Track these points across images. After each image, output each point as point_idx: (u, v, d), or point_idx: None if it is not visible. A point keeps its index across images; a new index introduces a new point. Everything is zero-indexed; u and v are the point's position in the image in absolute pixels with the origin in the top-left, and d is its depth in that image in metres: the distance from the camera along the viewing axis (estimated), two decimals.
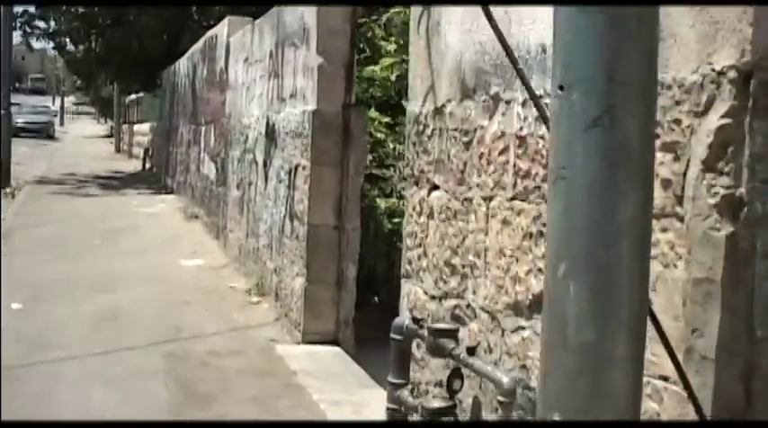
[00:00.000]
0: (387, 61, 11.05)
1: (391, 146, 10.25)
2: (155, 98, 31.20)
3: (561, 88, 2.64)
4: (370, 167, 9.53)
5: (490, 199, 4.49)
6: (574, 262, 2.61)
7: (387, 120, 10.57)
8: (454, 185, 4.90)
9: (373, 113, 10.41)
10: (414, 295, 5.41)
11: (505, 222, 4.32)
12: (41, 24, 29.41)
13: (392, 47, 11.25)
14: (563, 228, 2.65)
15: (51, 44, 30.81)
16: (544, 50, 4.02)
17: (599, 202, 2.58)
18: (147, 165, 31.63)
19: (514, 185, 4.25)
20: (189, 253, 12.94)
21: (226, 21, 13.92)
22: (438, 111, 5.14)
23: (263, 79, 10.40)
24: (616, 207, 2.58)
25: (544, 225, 4.00)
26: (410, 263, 5.51)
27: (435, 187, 5.18)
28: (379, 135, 10.42)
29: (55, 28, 29.45)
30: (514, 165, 4.25)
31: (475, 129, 4.67)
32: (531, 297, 4.08)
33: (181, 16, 24.85)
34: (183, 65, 19.83)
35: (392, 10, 11.66)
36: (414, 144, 5.50)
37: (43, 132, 53.82)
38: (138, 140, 38.39)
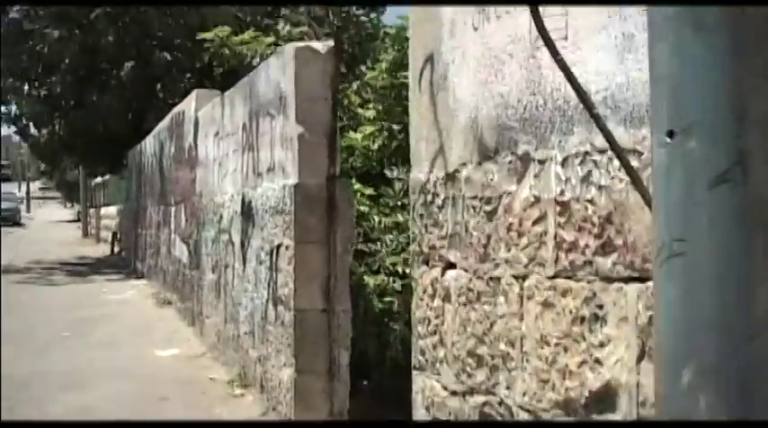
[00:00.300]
0: (367, 129, 10.40)
1: (376, 219, 9.54)
2: (121, 180, 30.48)
3: (671, 134, 1.94)
4: (355, 243, 8.82)
5: (524, 277, 3.79)
6: (702, 366, 1.91)
7: (369, 191, 9.87)
8: (476, 263, 4.20)
9: (355, 185, 9.72)
10: (430, 390, 4.68)
11: (547, 304, 3.62)
12: (3, 109, 28.68)
13: (371, 113, 10.62)
14: (683, 322, 1.95)
15: (14, 129, 30.03)
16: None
17: (733, 284, 1.89)
18: (116, 249, 30.84)
19: (556, 260, 3.56)
20: (163, 342, 12.15)
21: (193, 94, 13.29)
22: (450, 178, 4.46)
23: (237, 154, 9.71)
24: (755, 289, 1.89)
25: (599, 307, 3.31)
26: (423, 353, 4.79)
27: (451, 265, 4.48)
28: (362, 208, 9.71)
29: (17, 112, 28.75)
30: (555, 237, 3.56)
31: (500, 196, 3.98)
32: (587, 394, 3.37)
33: (145, 94, 24.20)
34: (149, 144, 19.16)
35: (368, 75, 11.08)
36: (421, 216, 4.81)
37: (9, 219, 53.05)
38: (105, 224, 37.60)
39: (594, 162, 3.32)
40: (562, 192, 3.51)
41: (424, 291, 4.76)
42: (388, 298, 8.94)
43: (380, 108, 10.55)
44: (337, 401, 7.41)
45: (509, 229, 3.89)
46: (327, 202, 7.51)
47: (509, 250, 3.90)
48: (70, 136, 27.07)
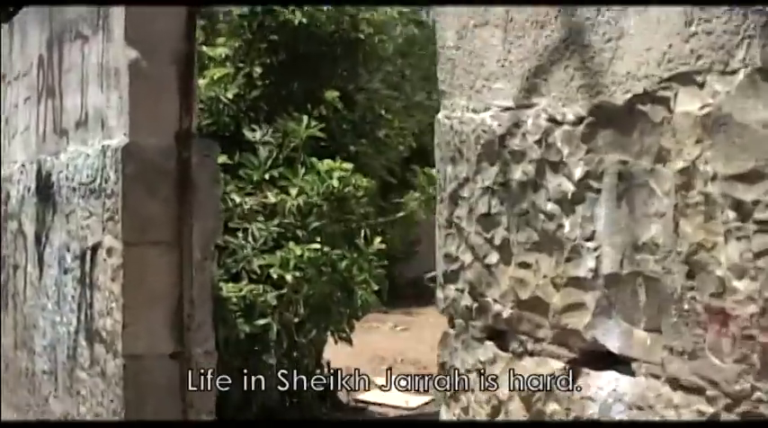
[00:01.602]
0: (216, 73, 7.47)
1: (236, 199, 6.63)
2: None
3: None
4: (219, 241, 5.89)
5: None
6: None
7: (223, 159, 6.89)
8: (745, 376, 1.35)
9: None
10: None
11: None
12: None
13: (221, 51, 7.70)
14: None
15: None
16: None
17: None
18: None
19: None
20: None
21: None
22: (623, 115, 1.59)
23: (30, 103, 6.60)
24: None
25: None
26: None
27: (607, 360, 1.62)
28: None
29: None
30: None
31: None
32: None
33: None
34: None
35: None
36: (484, 219, 1.93)
37: None
38: None
39: None
40: None
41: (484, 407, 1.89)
42: (260, 321, 6.05)
43: (236, 45, 7.65)
44: None
45: None
46: (178, 177, 4.62)
47: None
48: None
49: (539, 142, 1.81)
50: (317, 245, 6.35)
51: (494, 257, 1.96)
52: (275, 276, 6.24)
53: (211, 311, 4.82)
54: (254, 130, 7.12)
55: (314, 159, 6.78)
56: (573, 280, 1.76)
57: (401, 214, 7.53)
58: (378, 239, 6.88)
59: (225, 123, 7.46)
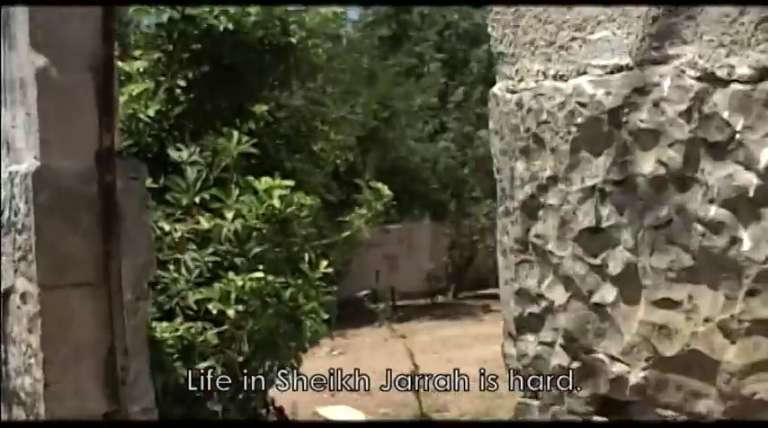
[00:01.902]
0: (135, 88, 6.81)
1: (166, 227, 5.96)
2: None
3: None
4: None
5: None
6: None
7: (148, 183, 6.23)
8: None
9: None
10: None
11: None
12: None
13: (140, 65, 7.04)
14: None
15: None
16: None
17: None
18: None
19: None
20: None
21: None
22: None
23: None
24: None
25: None
26: None
27: None
28: None
29: None
30: None
31: None
32: None
33: None
34: None
35: (132, 9, 7.41)
36: (578, 236, 1.29)
37: None
38: None
39: None
40: None
41: None
42: (203, 364, 5.38)
43: (155, 57, 7.00)
44: None
45: None
46: (101, 205, 3.97)
47: None
48: None
49: (686, 113, 1.18)
50: (260, 274, 5.71)
51: (608, 293, 1.32)
52: (215, 311, 5.59)
53: (148, 360, 4.16)
54: (179, 150, 6.47)
55: (249, 178, 6.15)
56: (761, 325, 1.13)
57: (346, 234, 6.93)
58: (324, 262, 6.27)
59: (147, 143, 6.78)
